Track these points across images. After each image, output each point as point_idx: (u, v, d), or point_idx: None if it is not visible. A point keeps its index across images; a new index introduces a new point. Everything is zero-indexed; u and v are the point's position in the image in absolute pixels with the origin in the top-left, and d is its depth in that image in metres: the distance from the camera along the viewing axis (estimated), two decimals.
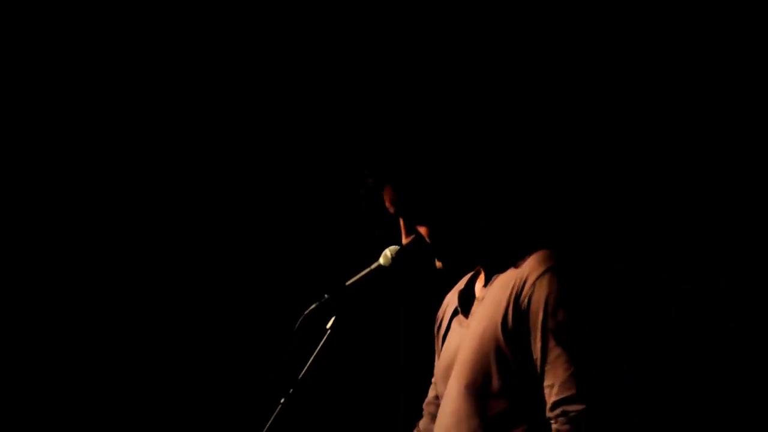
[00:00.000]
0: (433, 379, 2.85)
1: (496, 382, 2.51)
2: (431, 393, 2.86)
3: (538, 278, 2.48)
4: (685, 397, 3.82)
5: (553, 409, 2.44)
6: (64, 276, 4.44)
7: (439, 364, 2.73)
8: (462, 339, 2.61)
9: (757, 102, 3.78)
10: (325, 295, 2.58)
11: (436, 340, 2.83)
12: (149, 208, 4.46)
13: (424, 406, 2.89)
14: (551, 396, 2.44)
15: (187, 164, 4.45)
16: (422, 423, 2.88)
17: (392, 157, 2.60)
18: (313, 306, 2.58)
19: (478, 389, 2.53)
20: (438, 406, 2.70)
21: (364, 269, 2.61)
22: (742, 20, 3.76)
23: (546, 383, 2.46)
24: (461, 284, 2.76)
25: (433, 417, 2.79)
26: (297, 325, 2.56)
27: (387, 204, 2.63)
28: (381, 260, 2.61)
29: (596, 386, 2.43)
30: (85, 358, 4.43)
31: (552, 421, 2.44)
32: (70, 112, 4.44)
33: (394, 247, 2.61)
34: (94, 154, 4.45)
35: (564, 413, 2.42)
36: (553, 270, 2.48)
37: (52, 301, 4.44)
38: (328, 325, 2.58)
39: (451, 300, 2.78)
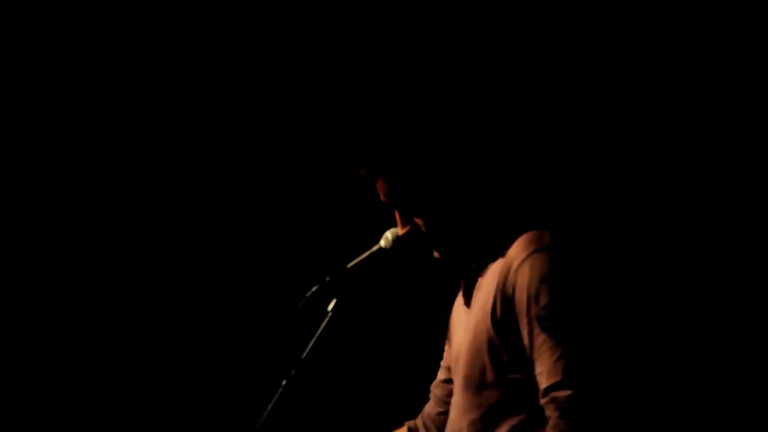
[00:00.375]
0: (441, 363, 2.87)
1: (490, 374, 2.51)
2: (440, 375, 2.88)
3: (521, 264, 2.47)
4: (685, 397, 3.82)
5: (543, 395, 2.44)
6: (58, 265, 4.46)
7: (451, 353, 2.74)
8: (465, 329, 2.61)
9: (756, 102, 3.79)
10: (327, 278, 2.60)
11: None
12: (145, 192, 4.46)
13: (432, 388, 2.90)
14: (541, 383, 2.44)
15: (183, 150, 4.45)
16: (428, 405, 2.90)
17: (383, 150, 2.59)
18: (314, 288, 2.60)
19: (475, 381, 2.53)
20: (443, 389, 2.74)
21: (365, 252, 2.62)
22: (742, 20, 3.78)
23: (536, 370, 2.45)
24: None
25: (438, 399, 2.83)
26: (299, 308, 2.58)
27: (381, 196, 2.62)
28: (381, 242, 2.62)
29: (583, 369, 2.42)
30: (89, 339, 4.44)
31: (544, 408, 2.44)
32: (67, 111, 4.45)
33: (394, 229, 2.62)
34: (88, 147, 4.47)
35: (553, 400, 2.41)
36: (536, 254, 2.47)
37: (45, 293, 4.45)
38: (330, 308, 2.60)
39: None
